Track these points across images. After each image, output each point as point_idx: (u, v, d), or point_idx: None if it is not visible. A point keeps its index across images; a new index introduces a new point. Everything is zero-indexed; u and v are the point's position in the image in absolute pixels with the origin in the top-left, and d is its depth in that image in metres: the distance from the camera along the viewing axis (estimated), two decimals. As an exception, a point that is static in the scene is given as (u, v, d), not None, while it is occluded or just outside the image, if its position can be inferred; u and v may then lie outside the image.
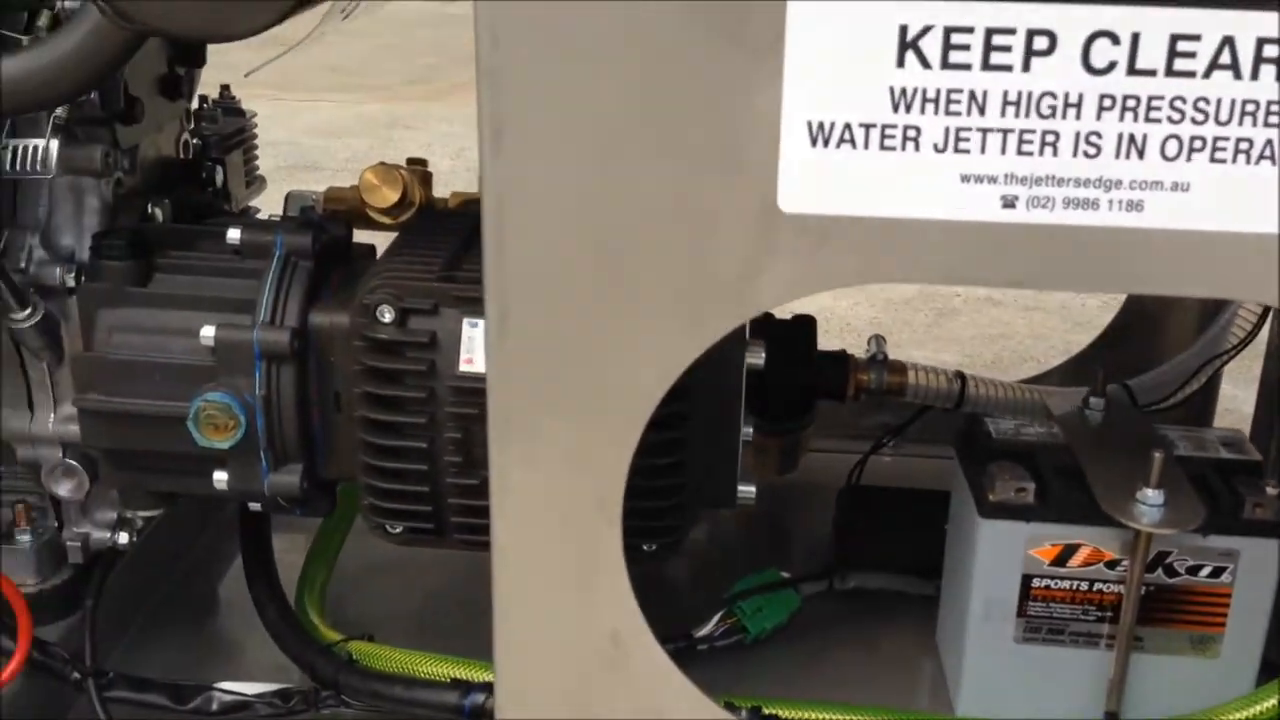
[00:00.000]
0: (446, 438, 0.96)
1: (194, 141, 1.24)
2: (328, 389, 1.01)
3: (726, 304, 0.74)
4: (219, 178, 1.26)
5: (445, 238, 1.03)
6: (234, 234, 1.01)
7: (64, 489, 1.10)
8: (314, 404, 1.01)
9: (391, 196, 1.17)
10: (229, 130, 1.30)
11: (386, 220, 1.20)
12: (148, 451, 1.02)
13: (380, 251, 1.06)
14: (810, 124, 0.69)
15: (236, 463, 1.00)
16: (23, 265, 1.04)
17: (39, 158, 1.00)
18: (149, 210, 1.12)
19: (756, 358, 0.96)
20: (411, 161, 1.25)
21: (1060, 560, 1.04)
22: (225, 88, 1.38)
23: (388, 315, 0.96)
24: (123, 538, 1.14)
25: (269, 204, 1.34)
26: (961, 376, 1.28)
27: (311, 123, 4.32)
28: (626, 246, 0.73)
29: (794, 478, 1.27)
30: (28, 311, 1.02)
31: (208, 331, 0.97)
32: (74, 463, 1.09)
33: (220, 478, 1.01)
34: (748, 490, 1.00)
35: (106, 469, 1.07)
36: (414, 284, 0.96)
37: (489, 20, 0.67)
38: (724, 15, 0.67)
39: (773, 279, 0.73)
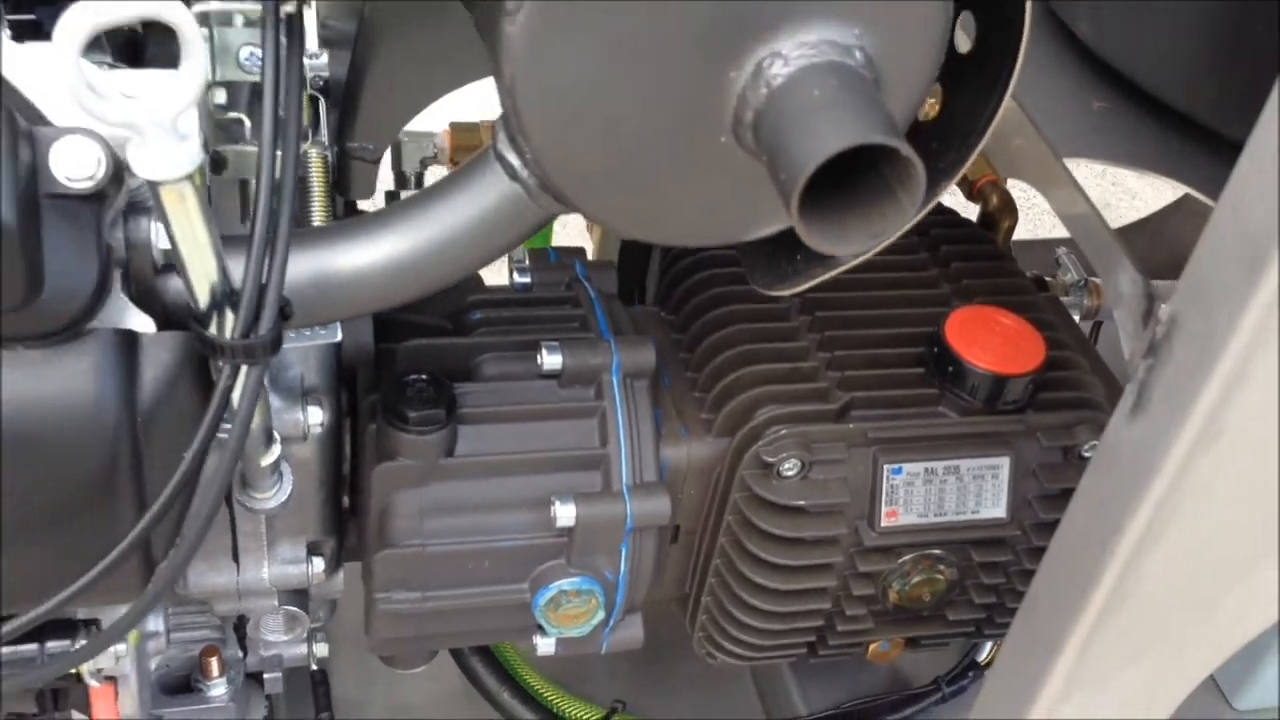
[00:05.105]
0: (856, 595, 0.82)
1: None
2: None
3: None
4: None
5: (780, 328, 0.83)
6: (553, 360, 0.77)
7: (281, 635, 0.88)
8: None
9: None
10: None
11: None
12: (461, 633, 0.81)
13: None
14: None
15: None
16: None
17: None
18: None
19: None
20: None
21: None
22: None
23: (792, 468, 0.77)
24: (321, 649, 0.93)
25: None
26: None
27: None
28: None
29: None
30: (274, 491, 0.75)
31: (567, 512, 0.75)
32: (296, 610, 0.86)
33: (546, 644, 0.83)
34: None
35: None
36: (815, 427, 0.78)
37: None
38: None
39: None
